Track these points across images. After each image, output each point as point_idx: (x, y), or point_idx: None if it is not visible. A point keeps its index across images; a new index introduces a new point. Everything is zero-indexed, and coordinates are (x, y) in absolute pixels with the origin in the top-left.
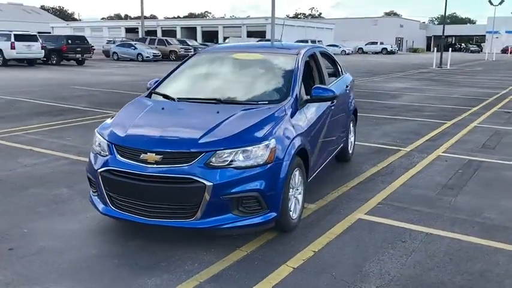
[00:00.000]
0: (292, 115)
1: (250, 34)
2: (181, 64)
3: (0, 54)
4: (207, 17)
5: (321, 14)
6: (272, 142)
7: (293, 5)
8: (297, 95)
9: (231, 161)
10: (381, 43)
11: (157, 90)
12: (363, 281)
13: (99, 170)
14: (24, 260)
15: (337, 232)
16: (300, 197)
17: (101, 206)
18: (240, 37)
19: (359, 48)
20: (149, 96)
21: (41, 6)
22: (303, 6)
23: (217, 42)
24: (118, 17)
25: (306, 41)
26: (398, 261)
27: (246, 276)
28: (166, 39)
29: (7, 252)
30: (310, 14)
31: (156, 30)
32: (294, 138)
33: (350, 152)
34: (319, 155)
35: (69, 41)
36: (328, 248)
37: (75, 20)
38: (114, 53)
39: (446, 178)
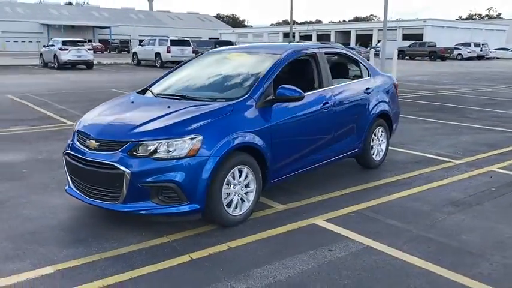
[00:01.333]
0: (244, 113)
1: (406, 37)
2: (182, 64)
3: (158, 57)
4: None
5: (500, 14)
6: (197, 136)
7: (468, 5)
8: (259, 94)
9: (154, 152)
10: None
11: (152, 86)
12: (240, 280)
13: (63, 153)
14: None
15: (274, 233)
16: (252, 195)
17: (66, 186)
18: (396, 40)
19: None
20: (143, 91)
21: (217, 15)
22: (480, 6)
23: (369, 46)
24: (285, 23)
25: (469, 44)
26: (294, 267)
27: (141, 260)
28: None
29: None
30: (487, 15)
31: (311, 35)
32: (235, 136)
33: (376, 159)
34: (295, 157)
35: (217, 46)
36: (247, 246)
37: (244, 26)
38: None
39: (466, 195)
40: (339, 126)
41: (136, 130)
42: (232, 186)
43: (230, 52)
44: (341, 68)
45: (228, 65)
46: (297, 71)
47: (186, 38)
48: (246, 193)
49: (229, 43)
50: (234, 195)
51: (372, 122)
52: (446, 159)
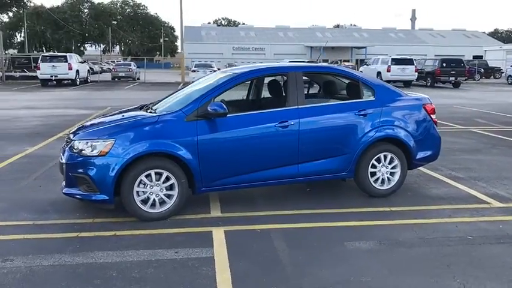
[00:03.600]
0: (169, 125)
1: None
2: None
3: (379, 76)
4: None
5: None
6: (109, 140)
7: None
8: (191, 109)
9: (82, 150)
10: None
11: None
12: (61, 251)
13: None
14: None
15: (167, 232)
16: (173, 197)
17: None
18: None
19: None
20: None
21: (494, 30)
22: None
23: None
24: None
25: None
26: (132, 259)
27: (63, 228)
28: None
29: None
30: None
31: None
32: (149, 143)
33: (381, 187)
34: (236, 171)
35: (444, 64)
36: (128, 237)
37: None
38: (509, 76)
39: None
40: (310, 146)
41: (79, 132)
42: (149, 186)
43: (216, 72)
44: (330, 88)
45: (202, 84)
46: (257, 90)
47: (409, 57)
48: (167, 195)
49: (459, 61)
50: (151, 195)
51: (367, 146)
52: (482, 199)
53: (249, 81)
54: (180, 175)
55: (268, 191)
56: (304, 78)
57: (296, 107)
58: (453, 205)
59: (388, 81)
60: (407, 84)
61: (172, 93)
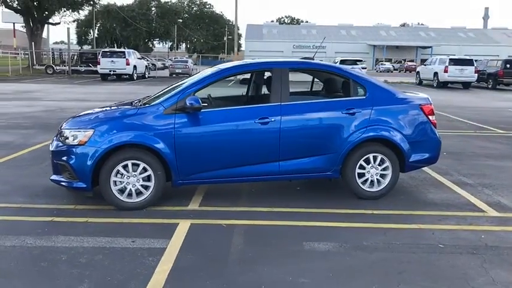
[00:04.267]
0: (147, 117)
1: None
2: None
3: (436, 77)
4: None
5: None
6: (88, 131)
7: None
8: (170, 103)
9: (66, 138)
10: None
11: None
12: (28, 234)
13: None
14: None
15: (136, 221)
16: (150, 189)
17: None
18: None
19: None
20: None
21: None
22: None
23: None
24: None
25: None
26: (88, 244)
27: (40, 213)
28: None
29: None
30: None
31: None
32: (126, 134)
33: (369, 189)
34: (213, 165)
35: (508, 65)
36: (95, 224)
37: None
38: None
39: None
40: (292, 144)
41: (68, 120)
42: (126, 177)
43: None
44: (319, 85)
45: (191, 79)
46: (257, 86)
47: (468, 58)
48: (144, 186)
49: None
50: (128, 185)
51: (353, 145)
52: (484, 209)
53: (249, 77)
54: (156, 167)
55: (258, 187)
56: (308, 75)
57: (279, 103)
58: (443, 211)
59: (446, 83)
60: (466, 85)
61: (167, 88)
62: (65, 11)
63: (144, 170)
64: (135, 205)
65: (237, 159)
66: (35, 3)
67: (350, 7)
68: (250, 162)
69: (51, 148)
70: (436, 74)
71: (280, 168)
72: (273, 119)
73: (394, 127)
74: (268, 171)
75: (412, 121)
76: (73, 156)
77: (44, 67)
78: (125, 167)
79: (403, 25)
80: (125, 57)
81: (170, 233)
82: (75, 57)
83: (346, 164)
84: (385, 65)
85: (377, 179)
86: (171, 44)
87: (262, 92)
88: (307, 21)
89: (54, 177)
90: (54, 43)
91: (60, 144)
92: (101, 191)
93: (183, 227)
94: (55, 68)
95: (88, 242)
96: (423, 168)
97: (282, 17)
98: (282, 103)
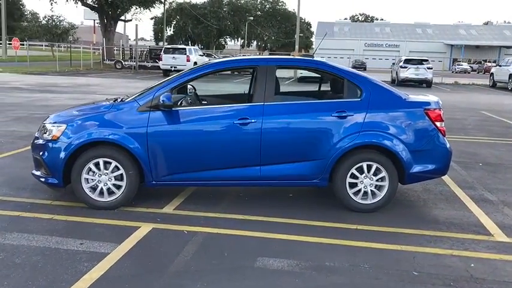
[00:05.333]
0: (120, 114)
1: None
2: None
3: (510, 79)
4: None
5: None
6: (61, 126)
7: None
8: (145, 100)
9: (44, 133)
10: None
11: None
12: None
13: None
14: None
15: (105, 222)
16: (122, 188)
17: None
18: None
19: None
20: None
21: None
22: None
23: None
24: None
25: None
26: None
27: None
28: None
29: None
30: None
31: None
32: (96, 131)
33: (363, 201)
34: (187, 167)
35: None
36: (62, 222)
37: None
38: None
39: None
40: (274, 148)
41: (52, 115)
42: (97, 174)
43: None
44: (310, 84)
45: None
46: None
47: None
48: (116, 185)
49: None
50: (99, 183)
51: (344, 152)
52: (492, 232)
53: (250, 74)
54: (128, 166)
55: (248, 193)
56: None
57: (261, 103)
58: (440, 232)
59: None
60: None
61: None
62: (136, 9)
63: (117, 168)
64: (106, 204)
65: (214, 161)
66: (108, 0)
67: (428, 6)
68: (229, 166)
69: (32, 143)
70: (511, 75)
71: (262, 173)
72: (253, 120)
73: (392, 133)
74: (248, 176)
75: (414, 127)
76: (46, 151)
77: (113, 62)
78: (97, 164)
79: (486, 23)
80: (185, 54)
81: (124, 237)
82: (145, 53)
83: (335, 172)
84: (462, 65)
85: (371, 190)
86: (242, 41)
87: (251, 92)
88: (382, 19)
89: (34, 171)
90: (133, 40)
91: (38, 138)
92: (72, 188)
93: (142, 231)
94: (123, 63)
95: (37, 241)
96: (444, 180)
97: (356, 15)
98: (265, 103)
